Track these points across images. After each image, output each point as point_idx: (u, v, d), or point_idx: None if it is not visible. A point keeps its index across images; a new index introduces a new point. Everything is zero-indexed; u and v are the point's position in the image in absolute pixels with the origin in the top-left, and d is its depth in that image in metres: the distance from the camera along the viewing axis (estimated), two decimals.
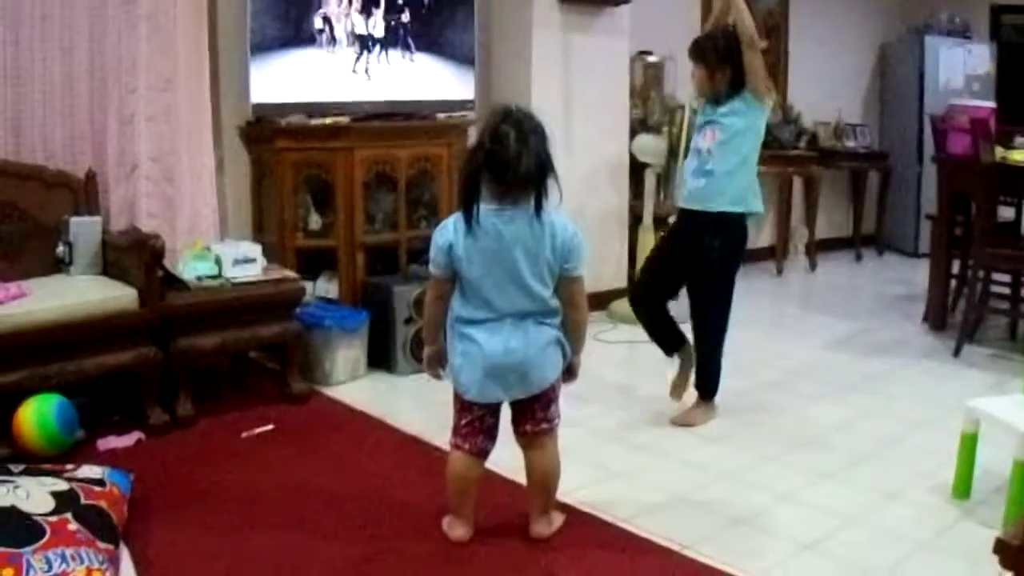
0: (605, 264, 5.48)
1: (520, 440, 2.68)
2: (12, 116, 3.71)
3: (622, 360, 4.69)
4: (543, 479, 2.68)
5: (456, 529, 2.68)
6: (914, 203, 7.58)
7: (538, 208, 2.46)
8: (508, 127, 2.41)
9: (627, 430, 3.63)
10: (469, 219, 2.46)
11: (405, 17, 4.58)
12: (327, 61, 4.37)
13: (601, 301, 5.35)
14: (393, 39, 4.56)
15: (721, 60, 3.52)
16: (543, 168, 2.44)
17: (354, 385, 4.14)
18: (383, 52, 4.54)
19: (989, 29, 8.10)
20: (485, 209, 2.47)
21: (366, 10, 4.45)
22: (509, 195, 2.45)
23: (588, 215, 5.28)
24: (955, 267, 5.23)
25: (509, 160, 2.39)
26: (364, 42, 4.48)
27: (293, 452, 3.37)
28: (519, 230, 2.47)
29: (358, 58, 4.47)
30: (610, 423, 3.70)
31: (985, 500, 2.98)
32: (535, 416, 2.62)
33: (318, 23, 4.31)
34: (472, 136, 4.91)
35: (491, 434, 2.66)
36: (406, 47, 4.61)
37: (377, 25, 4.51)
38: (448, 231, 2.52)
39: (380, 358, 4.31)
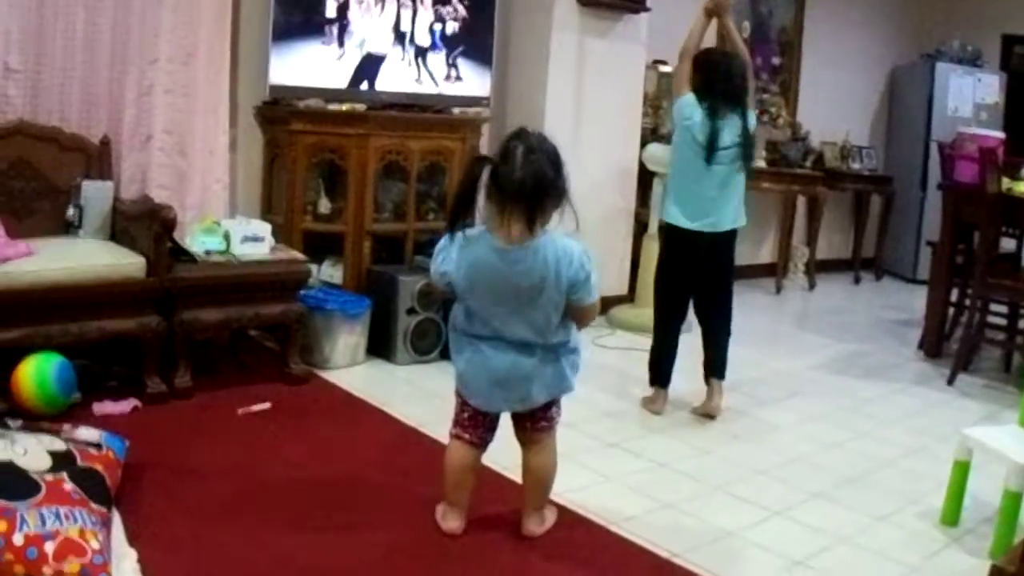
0: (607, 271, 5.48)
1: (519, 436, 2.69)
2: (31, 76, 3.71)
3: (619, 366, 4.69)
4: (539, 476, 2.69)
5: (449, 520, 2.67)
6: (915, 229, 7.63)
7: (531, 227, 2.40)
8: (517, 143, 2.39)
9: (622, 436, 3.64)
10: (454, 232, 2.44)
11: (442, 15, 4.62)
12: (345, 50, 4.38)
13: (602, 307, 5.34)
14: (415, 32, 4.58)
15: None
16: (541, 187, 2.38)
17: (352, 371, 4.15)
18: (403, 46, 4.55)
19: (1000, 58, 8.15)
20: (489, 246, 2.43)
21: (393, 4, 4.47)
22: (510, 216, 2.39)
23: (593, 220, 5.27)
24: (954, 295, 5.26)
25: (513, 174, 2.36)
26: (386, 37, 4.49)
27: (288, 432, 3.37)
28: (524, 267, 2.41)
29: (378, 52, 4.48)
30: (605, 428, 3.71)
31: (973, 529, 3.00)
32: (535, 415, 2.63)
33: (330, 13, 4.30)
34: (486, 133, 4.94)
35: (492, 426, 2.68)
36: (428, 40, 4.63)
37: (408, 20, 4.53)
38: (450, 260, 2.48)
39: (380, 346, 4.32)
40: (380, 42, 4.47)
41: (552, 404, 2.65)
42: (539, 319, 2.47)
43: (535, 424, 2.64)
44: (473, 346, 2.54)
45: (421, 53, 4.60)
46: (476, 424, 2.64)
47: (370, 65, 4.47)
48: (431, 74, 4.66)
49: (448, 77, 4.72)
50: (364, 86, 4.47)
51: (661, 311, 3.96)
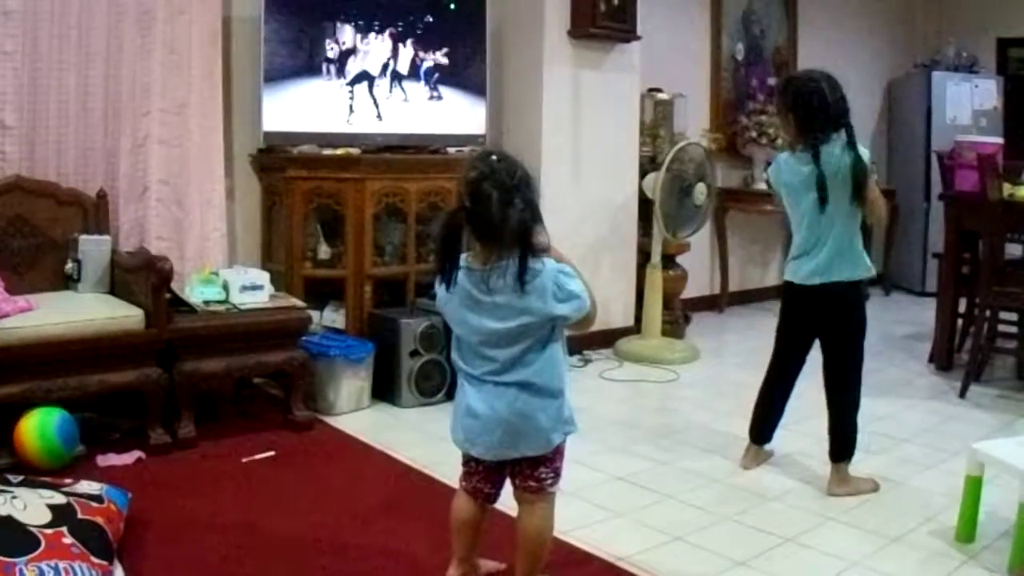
0: (613, 303, 5.46)
1: (514, 493, 2.50)
2: (27, 132, 3.77)
3: (626, 398, 4.65)
4: (525, 542, 2.45)
5: (450, 568, 2.56)
6: (921, 241, 7.56)
7: (522, 272, 2.26)
8: (489, 187, 2.24)
9: (629, 470, 3.60)
10: (448, 281, 2.34)
11: (433, 54, 4.67)
12: (339, 92, 4.42)
13: (608, 339, 5.34)
14: (407, 73, 4.63)
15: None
16: (526, 226, 2.25)
17: (357, 416, 4.13)
18: (396, 85, 4.59)
19: (996, 63, 8.11)
20: (466, 272, 2.34)
21: (383, 43, 4.52)
22: (492, 253, 2.29)
23: (596, 252, 5.29)
24: (962, 306, 5.19)
25: (493, 221, 2.23)
26: (377, 75, 4.54)
27: (293, 480, 3.36)
28: (499, 296, 2.29)
29: (370, 91, 4.53)
30: (612, 462, 3.67)
31: (989, 545, 2.93)
32: (523, 472, 2.44)
33: (330, 54, 4.37)
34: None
35: (489, 479, 2.48)
36: (419, 80, 4.67)
37: (399, 60, 4.59)
38: (440, 290, 2.40)
39: (384, 390, 4.30)
40: (373, 64, 4.53)
41: (540, 464, 2.41)
42: (517, 349, 2.32)
43: (524, 482, 2.42)
44: (462, 388, 2.43)
45: (398, 79, 4.63)
46: (471, 472, 2.50)
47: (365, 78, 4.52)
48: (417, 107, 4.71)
49: (434, 103, 4.74)
50: (362, 117, 4.51)
51: None
